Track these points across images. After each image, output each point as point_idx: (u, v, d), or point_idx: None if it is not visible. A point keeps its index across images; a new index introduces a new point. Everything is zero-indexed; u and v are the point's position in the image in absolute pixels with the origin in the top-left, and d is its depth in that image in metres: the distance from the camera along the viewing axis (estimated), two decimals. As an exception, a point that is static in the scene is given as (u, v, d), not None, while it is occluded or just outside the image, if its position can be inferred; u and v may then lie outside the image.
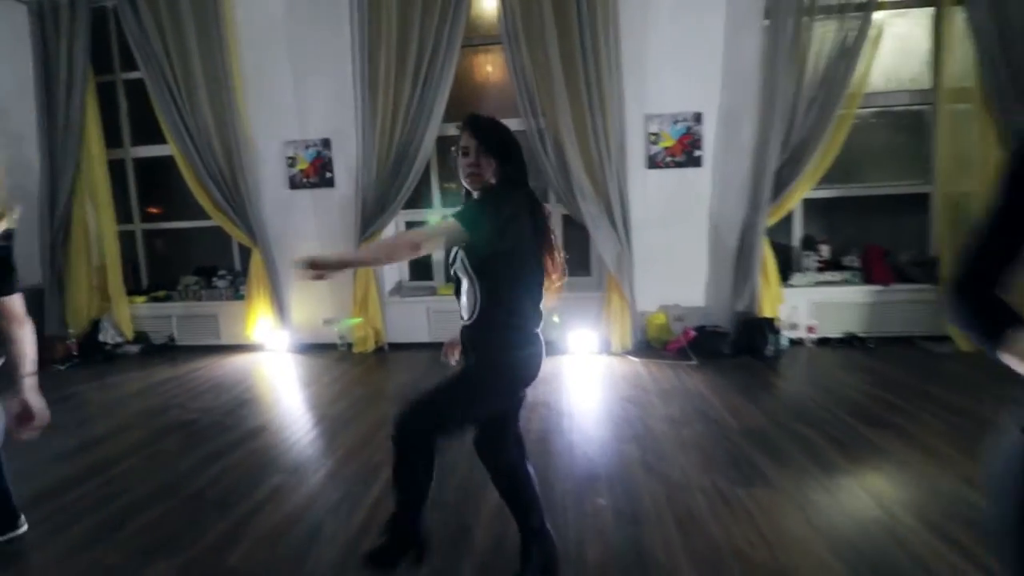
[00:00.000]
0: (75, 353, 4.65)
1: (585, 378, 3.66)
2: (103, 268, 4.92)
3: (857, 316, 4.16)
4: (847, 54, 3.82)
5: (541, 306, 1.53)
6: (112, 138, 4.97)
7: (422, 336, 4.62)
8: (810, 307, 4.20)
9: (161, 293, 5.07)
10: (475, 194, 1.52)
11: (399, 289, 4.87)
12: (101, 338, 4.83)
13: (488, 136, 1.50)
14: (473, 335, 1.50)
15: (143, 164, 5.13)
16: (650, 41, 4.09)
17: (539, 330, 1.51)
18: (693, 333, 4.03)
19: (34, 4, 4.56)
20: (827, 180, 4.13)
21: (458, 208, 1.46)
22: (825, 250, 4.34)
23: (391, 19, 4.12)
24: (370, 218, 4.39)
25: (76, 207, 4.81)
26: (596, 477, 2.23)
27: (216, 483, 2.32)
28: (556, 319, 4.21)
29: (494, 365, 1.46)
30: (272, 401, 3.56)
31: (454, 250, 1.49)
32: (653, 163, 4.22)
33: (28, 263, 4.89)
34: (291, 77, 4.54)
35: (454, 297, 1.60)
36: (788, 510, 1.95)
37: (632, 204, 4.15)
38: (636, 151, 4.20)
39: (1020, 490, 0.72)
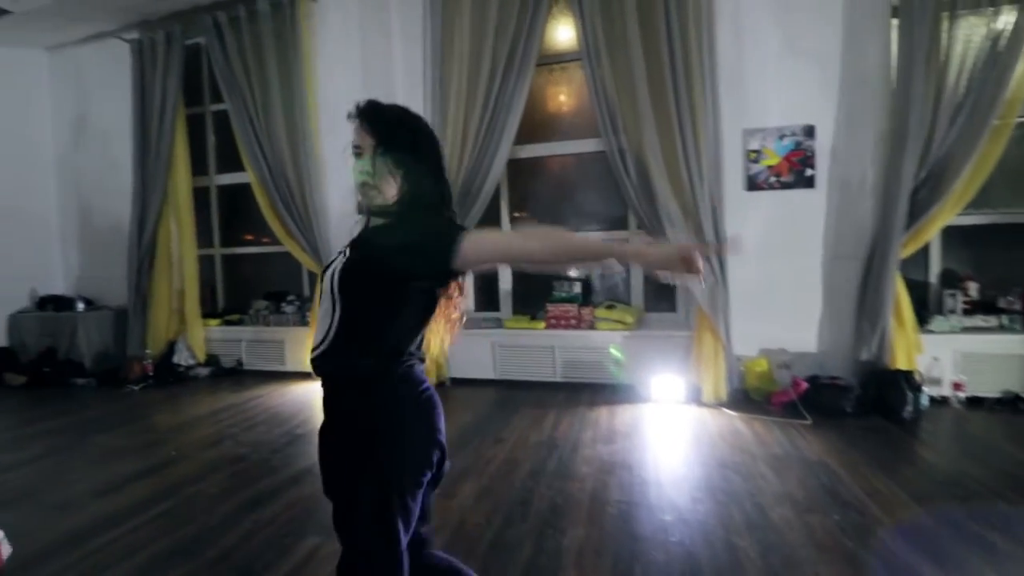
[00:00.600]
0: (150, 374, 4.72)
1: (673, 434, 3.11)
2: (183, 291, 5.04)
3: (1020, 371, 3.34)
4: (1002, 52, 3.15)
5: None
6: (199, 166, 5.15)
7: (487, 372, 4.25)
8: (955, 358, 3.42)
9: (235, 316, 5.12)
10: (364, 218, 1.08)
11: (464, 320, 4.56)
12: (175, 360, 4.90)
13: (389, 133, 1.06)
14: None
15: (226, 191, 5.27)
16: (749, 47, 3.62)
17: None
18: (805, 385, 3.38)
19: (135, 42, 4.86)
20: (971, 204, 3.39)
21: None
22: (972, 288, 3.56)
23: (464, 39, 3.96)
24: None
25: (161, 232, 4.98)
26: (699, 581, 1.72)
27: (246, 541, 2.04)
28: (617, 353, 3.68)
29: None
30: (325, 438, 3.31)
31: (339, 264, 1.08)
32: (754, 184, 3.68)
33: (117, 286, 5.12)
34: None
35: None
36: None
37: (728, 231, 3.61)
38: (733, 171, 3.69)
39: None
